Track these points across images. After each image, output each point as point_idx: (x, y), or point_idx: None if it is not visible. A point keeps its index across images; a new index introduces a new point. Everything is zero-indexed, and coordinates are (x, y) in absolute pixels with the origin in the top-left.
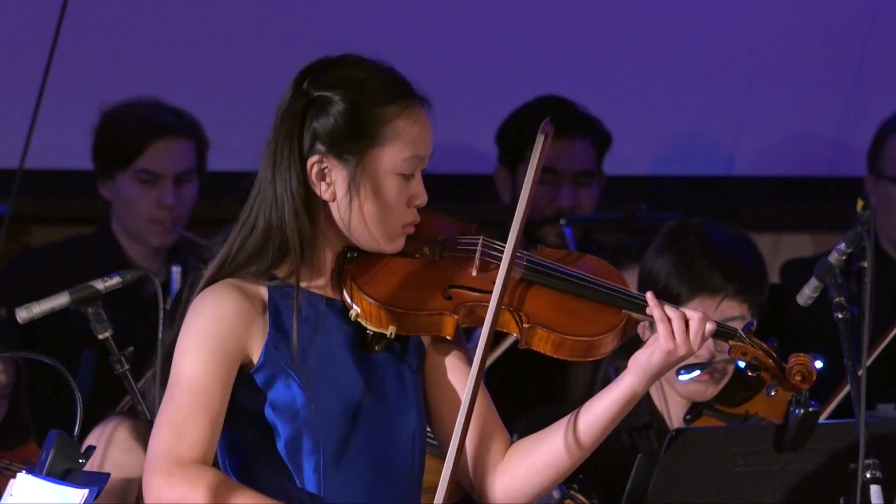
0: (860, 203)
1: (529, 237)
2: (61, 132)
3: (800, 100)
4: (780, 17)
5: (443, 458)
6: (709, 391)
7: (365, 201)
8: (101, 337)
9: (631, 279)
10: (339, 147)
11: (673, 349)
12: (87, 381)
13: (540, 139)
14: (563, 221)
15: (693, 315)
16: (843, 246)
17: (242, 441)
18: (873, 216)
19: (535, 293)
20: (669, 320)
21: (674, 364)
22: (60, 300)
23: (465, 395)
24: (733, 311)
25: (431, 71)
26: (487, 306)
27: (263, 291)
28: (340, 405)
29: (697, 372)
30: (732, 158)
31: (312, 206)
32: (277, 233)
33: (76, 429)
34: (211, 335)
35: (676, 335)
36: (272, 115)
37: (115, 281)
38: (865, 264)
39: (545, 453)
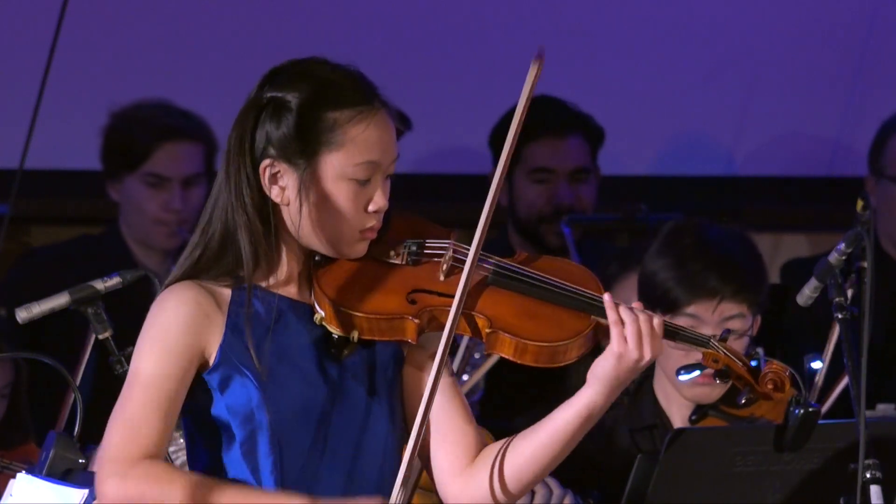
0: (860, 203)
1: (529, 238)
2: (61, 132)
3: (800, 100)
4: (780, 17)
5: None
6: (714, 393)
7: (314, 206)
8: (101, 337)
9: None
10: (290, 151)
11: (623, 353)
12: (88, 382)
13: (534, 67)
14: (563, 220)
15: (640, 315)
16: (842, 246)
17: (202, 444)
18: (873, 216)
19: (500, 297)
20: (623, 324)
21: (629, 370)
22: (60, 300)
23: (425, 392)
24: (732, 310)
25: (429, 70)
26: (449, 311)
27: (226, 293)
28: (298, 407)
29: (697, 372)
30: (732, 158)
31: (267, 210)
32: (234, 236)
33: (76, 429)
34: (169, 333)
35: (629, 339)
36: None
37: (115, 281)
38: (865, 264)
39: (510, 463)
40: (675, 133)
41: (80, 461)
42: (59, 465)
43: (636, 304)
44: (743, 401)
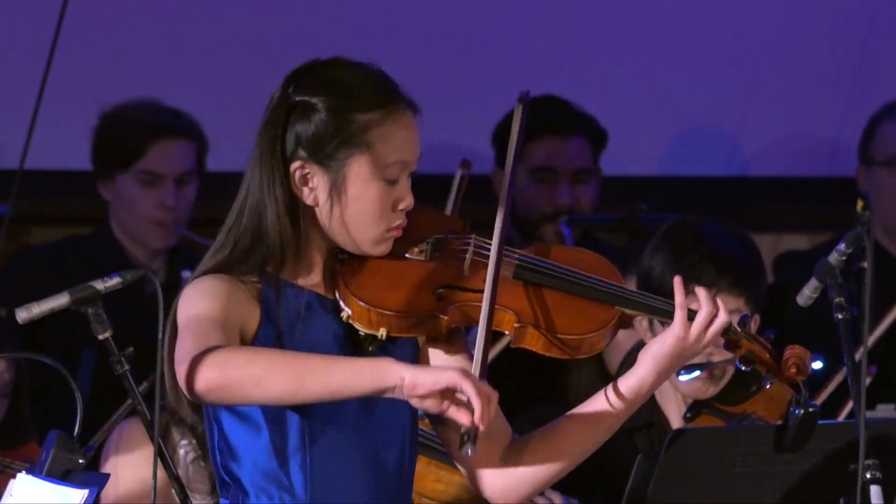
0: (860, 203)
1: (528, 237)
2: (61, 132)
3: (800, 100)
4: (780, 18)
5: (449, 464)
6: (710, 390)
7: (346, 207)
8: (100, 337)
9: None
10: (321, 153)
11: (683, 336)
12: (87, 382)
13: (518, 108)
14: (563, 220)
15: (712, 307)
16: (843, 246)
17: (230, 439)
18: (873, 216)
19: (525, 291)
20: (689, 308)
21: (683, 354)
22: (60, 300)
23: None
24: (729, 304)
25: (430, 70)
26: (478, 306)
27: (256, 287)
28: (328, 404)
29: (697, 372)
30: (733, 159)
31: (297, 210)
32: (264, 235)
33: (76, 429)
34: (215, 292)
35: (694, 324)
36: None
37: (115, 281)
38: (865, 264)
39: (551, 445)
40: (676, 133)
41: (80, 461)
42: (59, 465)
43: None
44: (768, 385)
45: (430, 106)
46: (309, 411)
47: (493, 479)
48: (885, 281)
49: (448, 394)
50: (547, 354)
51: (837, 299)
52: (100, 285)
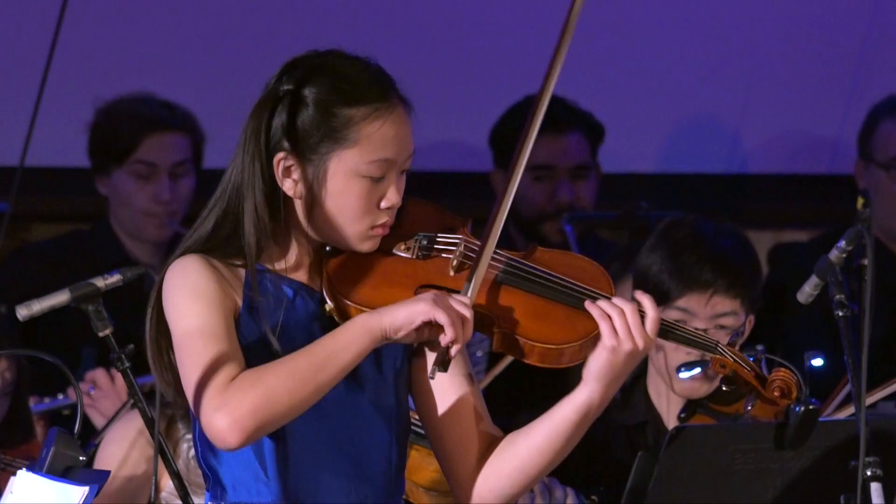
0: (860, 201)
1: (530, 236)
2: (62, 130)
3: (800, 97)
4: (781, 15)
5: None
6: (703, 389)
7: (326, 201)
8: (101, 334)
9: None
10: (303, 146)
11: (616, 345)
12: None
13: None
14: (564, 218)
15: (626, 306)
16: (843, 244)
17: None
18: (873, 214)
19: (509, 296)
20: (610, 318)
21: (624, 364)
22: (61, 298)
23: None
24: (725, 306)
25: (429, 69)
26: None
27: (240, 272)
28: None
29: (698, 369)
30: (733, 156)
31: (277, 201)
32: (242, 222)
33: (77, 426)
34: (204, 289)
35: (619, 331)
36: None
37: (115, 278)
38: (866, 261)
39: (514, 457)
40: (676, 130)
41: (81, 458)
42: (59, 462)
43: (616, 299)
44: (749, 407)
45: (429, 104)
46: None
47: (470, 483)
48: (884, 278)
49: (424, 324)
50: (526, 361)
51: (838, 296)
52: (100, 282)
